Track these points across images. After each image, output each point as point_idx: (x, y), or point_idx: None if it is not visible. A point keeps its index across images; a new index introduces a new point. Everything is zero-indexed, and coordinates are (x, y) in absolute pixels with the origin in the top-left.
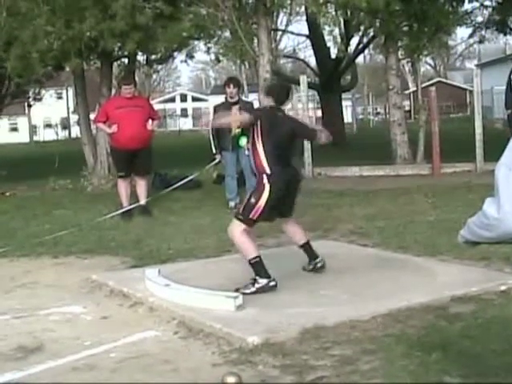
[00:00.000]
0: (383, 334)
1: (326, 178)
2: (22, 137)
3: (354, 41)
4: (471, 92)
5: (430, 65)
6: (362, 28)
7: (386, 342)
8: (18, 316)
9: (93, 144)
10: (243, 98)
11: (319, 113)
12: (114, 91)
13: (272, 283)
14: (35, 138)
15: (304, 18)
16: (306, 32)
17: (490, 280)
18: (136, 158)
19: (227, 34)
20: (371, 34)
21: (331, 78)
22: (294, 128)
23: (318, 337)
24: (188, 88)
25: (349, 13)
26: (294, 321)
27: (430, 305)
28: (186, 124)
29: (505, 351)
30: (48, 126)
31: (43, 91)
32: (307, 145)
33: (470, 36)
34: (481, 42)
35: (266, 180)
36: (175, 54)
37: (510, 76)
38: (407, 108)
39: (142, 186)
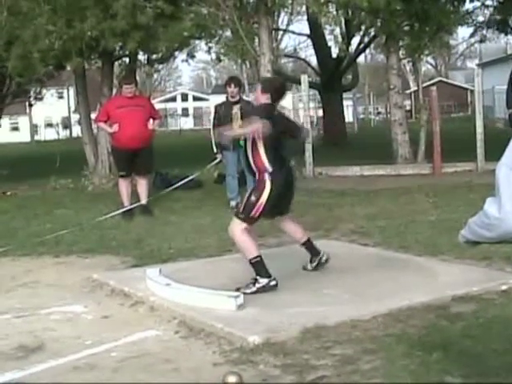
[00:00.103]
0: (384, 334)
1: (327, 177)
2: (23, 136)
3: (355, 40)
4: (472, 91)
5: (431, 64)
6: (363, 27)
7: (387, 341)
8: (19, 315)
9: (94, 143)
10: (244, 97)
11: (320, 112)
12: (115, 91)
13: (273, 283)
14: (36, 138)
15: (305, 17)
16: (307, 31)
17: (491, 280)
18: (137, 158)
19: (228, 33)
20: (372, 33)
21: (332, 78)
22: (286, 125)
23: (318, 336)
24: (189, 87)
25: (350, 12)
26: (295, 320)
27: (431, 304)
28: (187, 123)
29: (506, 351)
30: (49, 125)
31: (44, 91)
32: (307, 144)
33: (471, 35)
34: (482, 41)
35: (267, 178)
36: (176, 53)
37: (511, 75)
38: (408, 108)
39: (142, 185)
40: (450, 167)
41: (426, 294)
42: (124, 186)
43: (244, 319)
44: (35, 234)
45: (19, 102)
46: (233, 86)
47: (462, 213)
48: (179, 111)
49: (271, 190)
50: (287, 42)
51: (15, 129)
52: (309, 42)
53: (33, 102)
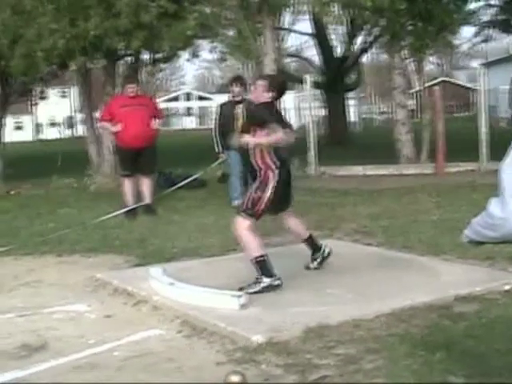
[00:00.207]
0: (387, 334)
1: (330, 177)
2: (27, 135)
3: (359, 40)
4: (475, 91)
5: (434, 64)
6: (366, 27)
7: (390, 341)
8: (21, 314)
9: (97, 143)
10: (248, 96)
11: (323, 112)
12: (118, 90)
13: (276, 282)
14: (40, 137)
15: (309, 16)
16: (311, 31)
17: (494, 279)
18: (140, 157)
19: (232, 32)
20: (376, 33)
21: (335, 78)
22: (284, 123)
23: (321, 336)
24: (193, 87)
25: (353, 12)
26: (298, 320)
27: (434, 304)
28: (191, 123)
29: (509, 351)
30: (52, 124)
31: (48, 90)
32: (310, 144)
33: (475, 35)
34: (485, 41)
35: (271, 174)
36: (180, 52)
37: None
38: (412, 107)
39: (146, 184)
40: (453, 167)
41: (429, 294)
42: (127, 186)
43: (247, 318)
44: (38, 233)
45: (23, 102)
46: (235, 85)
47: (465, 212)
48: (183, 110)
49: (274, 186)
50: (291, 42)
51: (19, 128)
52: (313, 41)
53: (36, 102)
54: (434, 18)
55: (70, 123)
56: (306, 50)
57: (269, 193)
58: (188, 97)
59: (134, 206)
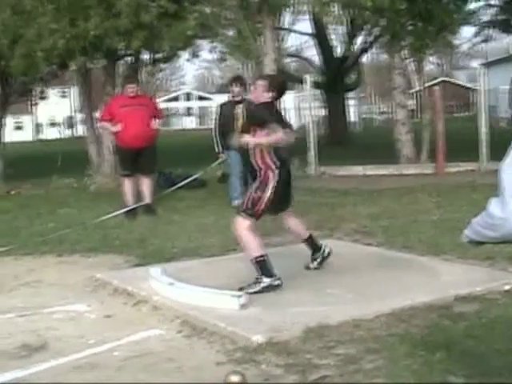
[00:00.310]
0: (387, 334)
1: (330, 177)
2: (27, 135)
3: (359, 40)
4: (475, 91)
5: (434, 64)
6: (366, 27)
7: (390, 341)
8: (22, 314)
9: (97, 143)
10: (248, 96)
11: (323, 112)
12: (118, 90)
13: (276, 282)
14: (40, 137)
15: (309, 16)
16: (311, 31)
17: (494, 279)
18: (140, 157)
19: (232, 32)
20: (376, 32)
21: (335, 78)
22: (284, 122)
23: (321, 336)
24: (193, 87)
25: (353, 12)
26: (298, 320)
27: (434, 304)
28: (191, 123)
29: (509, 351)
30: (52, 124)
31: (48, 90)
32: (310, 144)
33: (475, 35)
34: (486, 41)
35: (271, 174)
36: (180, 52)
37: None
38: (412, 107)
39: (146, 184)
40: (453, 167)
41: (429, 294)
42: (127, 186)
43: (247, 318)
44: (38, 234)
45: (23, 101)
46: (235, 85)
47: (465, 212)
48: (183, 111)
49: (274, 186)
50: (291, 42)
51: (19, 128)
52: (312, 41)
53: (36, 102)
54: (434, 17)
55: (70, 123)
56: (306, 50)
57: (269, 193)
58: (188, 97)
59: (134, 206)
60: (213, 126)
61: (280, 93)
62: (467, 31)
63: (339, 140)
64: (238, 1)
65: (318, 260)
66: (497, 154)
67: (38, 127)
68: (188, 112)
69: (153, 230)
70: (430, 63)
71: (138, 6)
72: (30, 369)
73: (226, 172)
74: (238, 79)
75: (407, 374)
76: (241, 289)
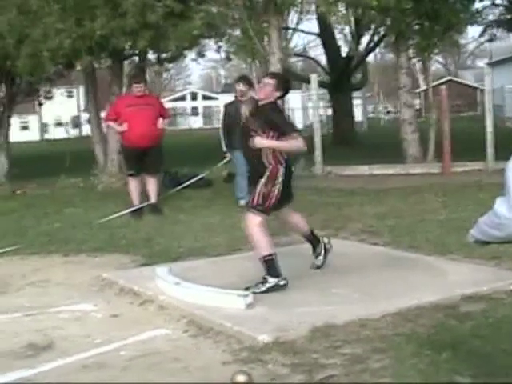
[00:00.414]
0: (393, 333)
1: (337, 176)
2: (33, 135)
3: (365, 39)
4: (482, 91)
5: (440, 63)
6: (372, 26)
7: (396, 340)
8: (28, 314)
9: (103, 142)
10: (254, 96)
11: (330, 111)
12: (124, 90)
13: (282, 282)
14: (46, 137)
15: (315, 16)
16: (317, 30)
17: (501, 279)
18: (146, 157)
19: (238, 32)
20: (382, 32)
21: (342, 77)
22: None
23: (328, 335)
24: (198, 86)
25: (359, 11)
26: (304, 319)
27: (440, 304)
28: (197, 122)
29: None
30: (59, 124)
31: (54, 89)
32: (317, 143)
33: (481, 35)
34: (491, 40)
35: (281, 168)
36: (186, 52)
37: None
38: (418, 107)
39: (152, 184)
40: (460, 166)
41: (435, 294)
42: (133, 185)
43: (253, 318)
44: (45, 233)
45: (29, 101)
46: (242, 84)
47: (472, 212)
48: (189, 110)
49: (283, 180)
50: (297, 41)
51: (25, 128)
52: (318, 40)
53: (42, 101)
54: (440, 17)
55: (77, 123)
56: (312, 49)
57: (278, 186)
58: (195, 96)
59: (140, 206)
60: (220, 126)
61: (286, 92)
62: (475, 30)
63: (345, 139)
64: (244, 0)
65: (322, 255)
66: (503, 154)
67: (44, 127)
68: (193, 112)
69: (159, 229)
70: (437, 62)
71: (144, 5)
72: (36, 368)
73: (231, 172)
74: (243, 79)
75: (413, 373)
76: (247, 288)
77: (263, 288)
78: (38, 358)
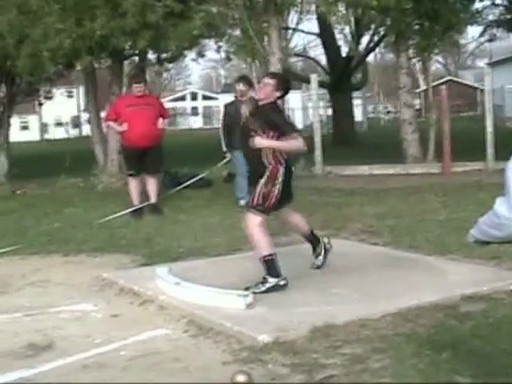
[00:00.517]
0: (393, 333)
1: (337, 176)
2: (33, 135)
3: (365, 39)
4: (482, 91)
5: (440, 63)
6: (372, 26)
7: (396, 340)
8: (28, 314)
9: (103, 142)
10: (254, 96)
11: (330, 111)
12: (124, 90)
13: (282, 282)
14: (46, 137)
15: (315, 16)
16: (317, 30)
17: (501, 279)
18: (146, 157)
19: (238, 32)
20: (382, 32)
21: (342, 77)
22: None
23: (328, 335)
24: (198, 86)
25: (359, 11)
26: (304, 319)
27: (440, 304)
28: (197, 122)
29: None
30: (59, 124)
31: (54, 89)
32: (316, 143)
33: (481, 35)
34: (491, 40)
35: (280, 168)
36: (186, 52)
37: None
38: (418, 107)
39: (152, 184)
40: (460, 166)
41: (435, 294)
42: (133, 185)
43: (253, 318)
44: (45, 233)
45: (29, 101)
46: (242, 85)
47: (472, 212)
48: (189, 110)
49: (283, 179)
50: (297, 41)
51: (25, 128)
52: (318, 40)
53: (42, 101)
54: (440, 17)
55: (77, 123)
56: (312, 49)
57: (278, 186)
58: (195, 96)
59: (140, 206)
60: (220, 126)
61: (285, 92)
62: (474, 30)
63: (345, 139)
64: (244, 0)
65: (322, 254)
66: (503, 154)
67: (44, 127)
68: (193, 112)
69: (159, 229)
70: (437, 62)
71: (144, 5)
72: (36, 368)
73: (231, 172)
74: (243, 79)
75: (413, 373)
76: (247, 288)
77: (263, 288)
78: (38, 357)
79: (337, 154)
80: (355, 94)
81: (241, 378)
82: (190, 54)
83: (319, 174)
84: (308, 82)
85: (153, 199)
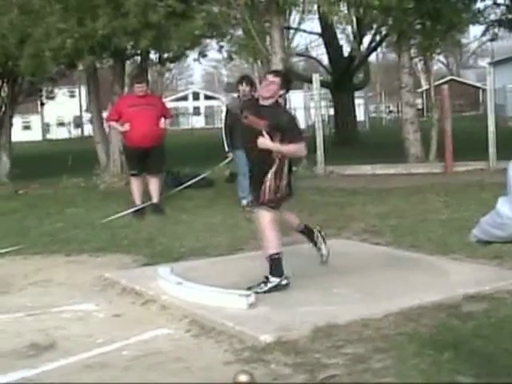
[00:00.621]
0: (395, 333)
1: (339, 176)
2: (35, 135)
3: (367, 39)
4: (484, 90)
5: (442, 63)
6: (374, 26)
7: (398, 340)
8: (30, 314)
9: (105, 142)
10: (256, 96)
11: (332, 111)
12: (126, 89)
13: (284, 282)
14: (48, 137)
15: (317, 16)
16: (319, 30)
17: (503, 279)
18: (148, 157)
19: (240, 32)
20: (384, 32)
21: (344, 77)
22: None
23: (330, 335)
24: (200, 86)
25: (361, 11)
26: (307, 319)
27: (443, 303)
28: (199, 122)
29: None
30: (61, 124)
31: (56, 89)
32: (319, 143)
33: (483, 34)
34: (493, 39)
35: (285, 161)
36: (188, 52)
37: None
38: (420, 106)
39: (154, 184)
40: (462, 166)
41: (437, 293)
42: (135, 185)
43: (255, 318)
44: (47, 233)
45: (31, 101)
46: (244, 84)
47: (474, 212)
48: (191, 110)
49: (287, 173)
50: (299, 41)
51: (27, 128)
52: (320, 40)
53: (44, 101)
54: (442, 16)
55: (79, 123)
56: (314, 49)
57: (284, 180)
58: (197, 96)
59: (142, 206)
60: (222, 126)
61: (287, 90)
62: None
63: (347, 139)
64: (246, 0)
65: (321, 241)
66: (505, 153)
67: (46, 127)
68: (195, 111)
69: (161, 229)
70: (439, 62)
71: (145, 5)
72: (38, 368)
73: (233, 171)
74: (245, 78)
75: (415, 373)
76: (249, 288)
77: (265, 288)
78: (40, 357)
79: (339, 154)
80: (357, 93)
81: (243, 377)
82: (192, 54)
83: (321, 173)
84: (310, 81)
85: (155, 199)
